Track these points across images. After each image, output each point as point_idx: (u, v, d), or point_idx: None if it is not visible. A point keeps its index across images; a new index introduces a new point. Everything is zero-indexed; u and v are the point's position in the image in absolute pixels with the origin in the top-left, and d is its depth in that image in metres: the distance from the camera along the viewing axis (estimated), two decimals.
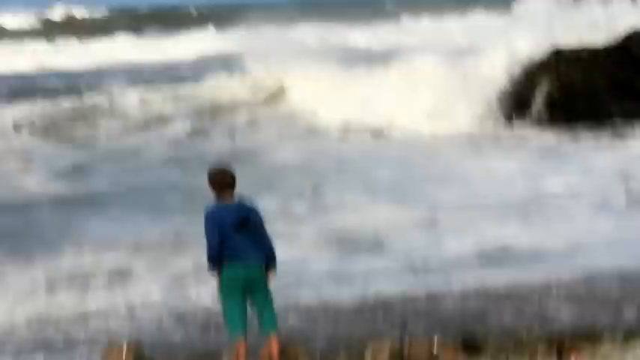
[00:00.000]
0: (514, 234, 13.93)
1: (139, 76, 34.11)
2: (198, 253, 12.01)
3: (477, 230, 14.27)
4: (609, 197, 16.41)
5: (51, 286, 12.11)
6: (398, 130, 24.92)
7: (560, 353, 7.93)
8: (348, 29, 52.40)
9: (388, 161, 21.29)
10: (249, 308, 8.79)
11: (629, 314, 10.13)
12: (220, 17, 64.31)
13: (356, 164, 21.15)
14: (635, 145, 22.43)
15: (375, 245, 13.76)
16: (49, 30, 64.56)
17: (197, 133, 25.85)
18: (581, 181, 18.03)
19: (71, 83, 33.56)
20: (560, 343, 8.28)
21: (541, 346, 8.49)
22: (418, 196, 17.09)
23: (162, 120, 26.97)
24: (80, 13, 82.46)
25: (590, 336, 8.73)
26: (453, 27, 47.66)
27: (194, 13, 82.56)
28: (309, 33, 49.99)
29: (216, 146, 24.33)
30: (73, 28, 65.11)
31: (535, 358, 8.03)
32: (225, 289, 8.75)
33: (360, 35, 50.05)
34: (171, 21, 65.29)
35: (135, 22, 65.05)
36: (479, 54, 27.49)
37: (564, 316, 10.13)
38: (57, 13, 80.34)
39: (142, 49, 50.13)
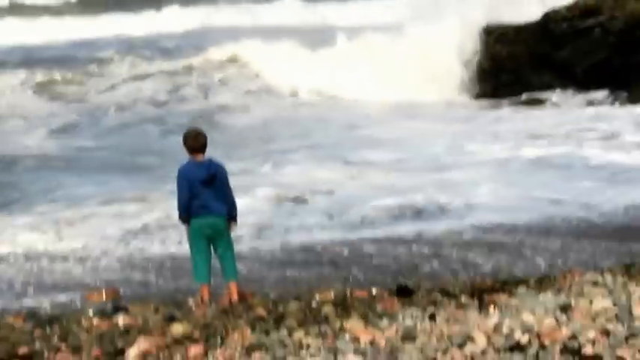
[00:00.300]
0: (426, 190, 13.88)
1: (129, 47, 34.36)
2: (166, 207, 12.01)
3: (396, 186, 14.26)
4: (513, 158, 16.42)
5: (26, 232, 11.93)
6: (348, 98, 24.71)
7: (480, 299, 7.87)
8: (327, 5, 52.26)
9: (335, 124, 21.22)
10: (213, 255, 8.70)
11: (513, 261, 10.33)
12: None
13: (305, 126, 21.06)
14: (548, 112, 22.56)
15: (308, 200, 13.64)
16: (61, 7, 63.69)
17: (173, 91, 25.82)
18: (494, 143, 18.14)
19: (71, 53, 33.53)
20: (480, 289, 8.23)
21: (465, 291, 8.44)
22: (355, 155, 17.05)
23: (144, 80, 26.80)
24: None
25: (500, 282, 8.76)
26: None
27: None
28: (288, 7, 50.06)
29: (188, 104, 24.33)
30: (82, 5, 64.10)
31: (459, 302, 7.96)
32: (192, 239, 8.68)
33: (334, 12, 49.89)
34: None
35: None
36: (432, 27, 27.25)
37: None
38: None
39: (133, 25, 49.60)
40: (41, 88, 26.39)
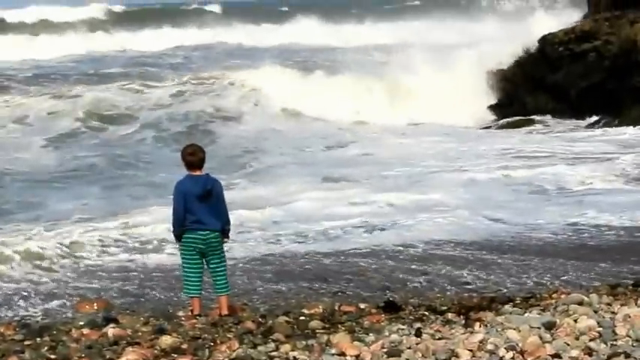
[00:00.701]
0: (384, 207, 14.06)
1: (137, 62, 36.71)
2: (152, 220, 12.00)
3: (358, 201, 14.42)
4: (485, 178, 16.53)
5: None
6: (352, 120, 24.43)
7: (466, 316, 7.83)
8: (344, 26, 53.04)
9: (325, 143, 21.24)
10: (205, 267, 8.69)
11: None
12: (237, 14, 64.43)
13: (299, 143, 21.25)
14: (537, 133, 22.74)
15: (271, 215, 13.63)
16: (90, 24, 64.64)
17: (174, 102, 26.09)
18: (472, 162, 18.29)
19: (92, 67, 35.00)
20: (467, 307, 8.20)
21: (452, 307, 8.41)
22: (337, 172, 17.17)
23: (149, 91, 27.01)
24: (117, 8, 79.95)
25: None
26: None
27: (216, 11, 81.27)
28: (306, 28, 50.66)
29: (187, 114, 24.43)
30: (110, 22, 64.88)
31: (446, 318, 7.94)
32: (185, 253, 8.67)
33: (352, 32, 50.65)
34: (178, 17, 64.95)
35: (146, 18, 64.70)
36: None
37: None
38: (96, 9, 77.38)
39: (145, 41, 50.25)
40: (51, 99, 26.24)
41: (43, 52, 44.56)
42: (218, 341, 7.46)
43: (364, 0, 76.21)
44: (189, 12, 74.35)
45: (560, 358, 6.56)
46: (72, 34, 55.26)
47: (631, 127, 22.08)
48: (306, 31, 54.66)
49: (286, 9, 71.66)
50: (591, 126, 23.23)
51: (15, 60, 41.11)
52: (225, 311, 8.58)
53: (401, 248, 11.76)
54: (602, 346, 6.70)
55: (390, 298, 8.83)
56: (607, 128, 22.63)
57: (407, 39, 45.94)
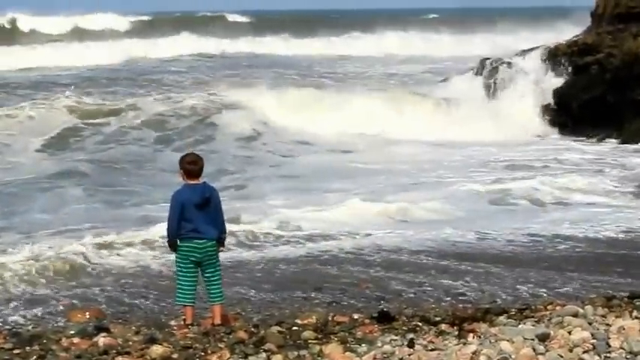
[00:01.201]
0: (377, 215, 14.19)
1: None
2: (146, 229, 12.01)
3: (353, 208, 14.46)
4: (464, 189, 16.48)
5: None
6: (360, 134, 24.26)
7: (460, 327, 7.77)
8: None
9: (317, 156, 21.19)
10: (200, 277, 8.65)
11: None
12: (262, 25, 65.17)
13: (292, 152, 21.43)
14: (534, 145, 22.80)
15: (274, 223, 13.52)
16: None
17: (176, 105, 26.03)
18: (459, 173, 18.42)
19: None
20: (461, 318, 8.13)
21: (446, 318, 8.35)
22: (323, 186, 17.11)
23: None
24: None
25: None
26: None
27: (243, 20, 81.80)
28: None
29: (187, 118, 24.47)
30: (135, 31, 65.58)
31: (439, 329, 7.88)
32: (180, 262, 8.63)
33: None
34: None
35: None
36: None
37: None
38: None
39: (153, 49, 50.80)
40: (45, 103, 26.10)
41: (57, 60, 44.89)
42: (209, 351, 7.43)
43: (383, 13, 77.48)
44: (212, 21, 75.06)
45: None
46: (90, 42, 55.58)
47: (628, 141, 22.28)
48: (321, 42, 55.48)
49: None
50: (591, 138, 23.25)
51: (24, 67, 41.56)
52: (218, 320, 8.55)
53: (394, 258, 11.74)
54: (596, 358, 6.69)
55: (384, 309, 8.77)
56: (606, 140, 22.69)
57: (419, 52, 46.81)
